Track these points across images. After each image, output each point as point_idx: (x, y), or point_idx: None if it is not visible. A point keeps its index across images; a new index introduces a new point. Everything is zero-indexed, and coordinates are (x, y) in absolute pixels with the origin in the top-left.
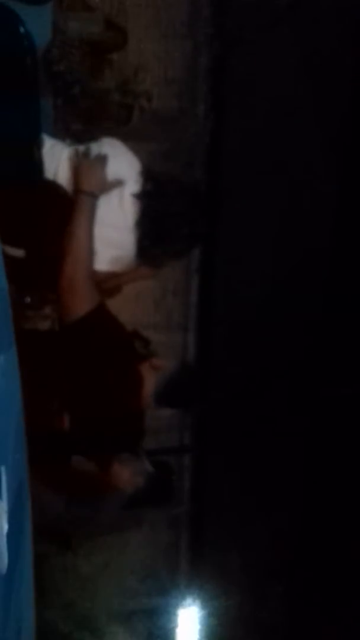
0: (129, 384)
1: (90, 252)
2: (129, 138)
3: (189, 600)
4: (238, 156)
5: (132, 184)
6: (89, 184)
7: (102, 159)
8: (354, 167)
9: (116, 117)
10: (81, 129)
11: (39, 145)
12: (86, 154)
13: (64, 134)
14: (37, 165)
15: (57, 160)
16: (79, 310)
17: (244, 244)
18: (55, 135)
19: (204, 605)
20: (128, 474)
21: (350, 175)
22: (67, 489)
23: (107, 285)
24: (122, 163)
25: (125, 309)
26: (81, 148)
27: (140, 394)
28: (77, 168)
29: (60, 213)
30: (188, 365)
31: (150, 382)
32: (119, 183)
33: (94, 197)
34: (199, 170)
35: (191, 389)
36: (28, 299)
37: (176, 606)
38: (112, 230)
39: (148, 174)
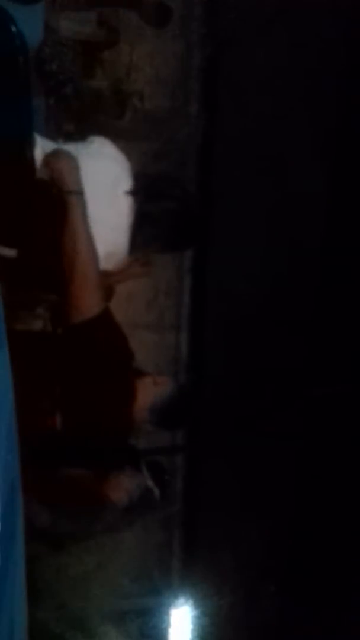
0: (125, 391)
1: (95, 249)
2: (121, 138)
3: (181, 600)
4: (230, 156)
5: (123, 183)
6: (74, 183)
7: (74, 157)
8: (346, 167)
9: (108, 117)
10: (73, 129)
11: (30, 145)
12: (55, 154)
13: (56, 133)
14: (29, 164)
15: None
16: (89, 310)
17: (237, 244)
18: (47, 134)
19: (196, 605)
20: (124, 488)
21: (343, 175)
22: (59, 494)
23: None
24: (112, 162)
25: (118, 308)
26: (74, 151)
27: (136, 404)
28: (59, 170)
29: (53, 213)
30: (186, 388)
31: (149, 395)
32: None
33: (82, 194)
34: (191, 170)
35: (188, 412)
36: (20, 299)
37: (169, 606)
38: (104, 229)
39: (139, 173)
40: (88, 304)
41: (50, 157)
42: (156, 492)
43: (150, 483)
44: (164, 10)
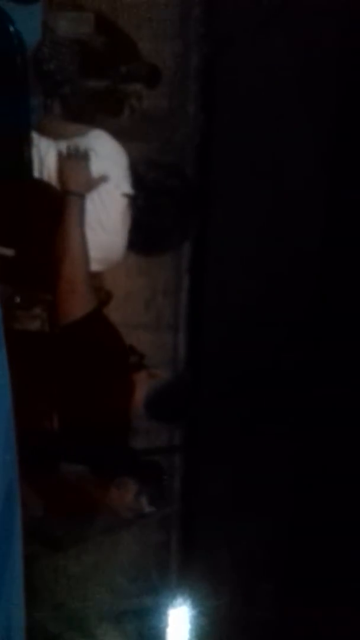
0: (120, 390)
1: (86, 253)
2: (119, 137)
3: (179, 600)
4: (228, 156)
5: (121, 178)
6: (75, 184)
7: (86, 157)
8: (343, 166)
9: (106, 115)
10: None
11: (29, 144)
12: (70, 153)
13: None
14: (26, 164)
15: (46, 159)
16: (77, 312)
17: (235, 244)
18: (44, 133)
19: (194, 605)
20: (124, 504)
21: (340, 174)
22: (56, 495)
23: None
24: (110, 157)
25: (116, 309)
26: (65, 146)
27: (132, 401)
28: (63, 168)
29: (50, 212)
30: (182, 378)
31: (143, 390)
32: (104, 179)
33: (81, 196)
34: (189, 169)
35: (183, 404)
36: (17, 299)
37: (167, 606)
38: (100, 231)
39: (137, 171)
40: (75, 304)
41: (66, 156)
42: (153, 511)
43: (148, 509)
44: (155, 71)
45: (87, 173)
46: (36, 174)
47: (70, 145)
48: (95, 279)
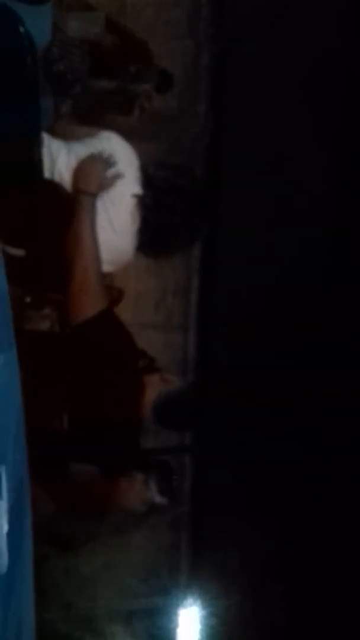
0: (131, 390)
1: (98, 252)
2: (129, 137)
3: (189, 601)
4: (238, 155)
5: (131, 179)
6: (85, 184)
7: (105, 160)
8: (352, 165)
9: (117, 114)
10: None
11: (39, 144)
12: (93, 155)
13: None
14: (37, 164)
15: (57, 160)
16: (88, 311)
17: (244, 244)
18: (55, 134)
19: (204, 605)
20: (133, 494)
21: (349, 173)
22: (66, 495)
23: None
24: (121, 158)
25: (126, 309)
26: (80, 147)
27: (142, 402)
28: (77, 167)
29: (61, 212)
30: (193, 387)
31: (154, 394)
32: (118, 176)
33: (92, 196)
34: (199, 169)
35: (191, 414)
36: (28, 299)
37: (177, 606)
38: (111, 230)
39: (147, 172)
40: (86, 304)
41: (86, 157)
42: (164, 502)
43: (158, 499)
44: (167, 76)
45: (101, 173)
46: (47, 174)
47: (92, 149)
48: (106, 278)
